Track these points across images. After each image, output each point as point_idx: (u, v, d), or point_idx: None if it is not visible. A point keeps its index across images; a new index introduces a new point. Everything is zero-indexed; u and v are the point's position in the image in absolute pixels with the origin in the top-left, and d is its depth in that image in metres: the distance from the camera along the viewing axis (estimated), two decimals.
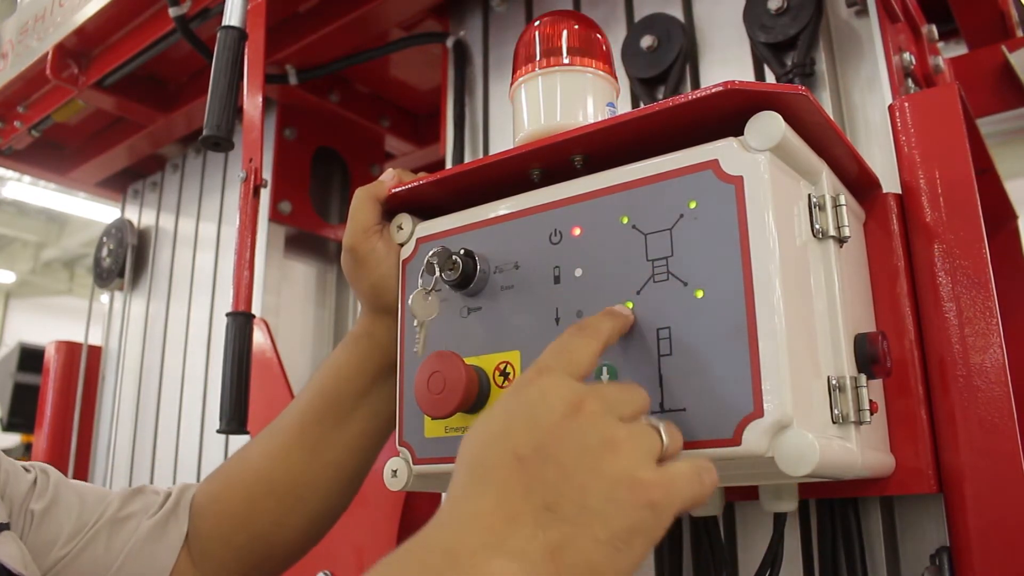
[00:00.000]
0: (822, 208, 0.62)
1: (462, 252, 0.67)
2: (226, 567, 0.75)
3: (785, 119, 0.57)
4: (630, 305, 0.60)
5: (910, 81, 0.97)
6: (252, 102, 1.13)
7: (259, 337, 1.29)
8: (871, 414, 0.59)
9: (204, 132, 1.03)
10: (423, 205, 0.76)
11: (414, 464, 0.69)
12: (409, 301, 0.67)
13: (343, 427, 0.77)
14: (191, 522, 0.75)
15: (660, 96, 1.02)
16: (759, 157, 0.56)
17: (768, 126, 0.57)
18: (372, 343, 0.78)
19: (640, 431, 0.49)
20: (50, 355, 1.91)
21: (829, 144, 0.64)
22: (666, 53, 1.01)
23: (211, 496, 0.77)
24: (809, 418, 0.55)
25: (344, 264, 0.77)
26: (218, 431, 0.99)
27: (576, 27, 0.74)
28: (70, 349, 1.90)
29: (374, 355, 0.77)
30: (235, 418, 0.99)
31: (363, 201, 0.76)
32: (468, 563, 0.43)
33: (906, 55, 0.96)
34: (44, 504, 0.69)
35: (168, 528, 0.73)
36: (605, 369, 0.60)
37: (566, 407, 0.48)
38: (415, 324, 0.67)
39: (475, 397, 0.64)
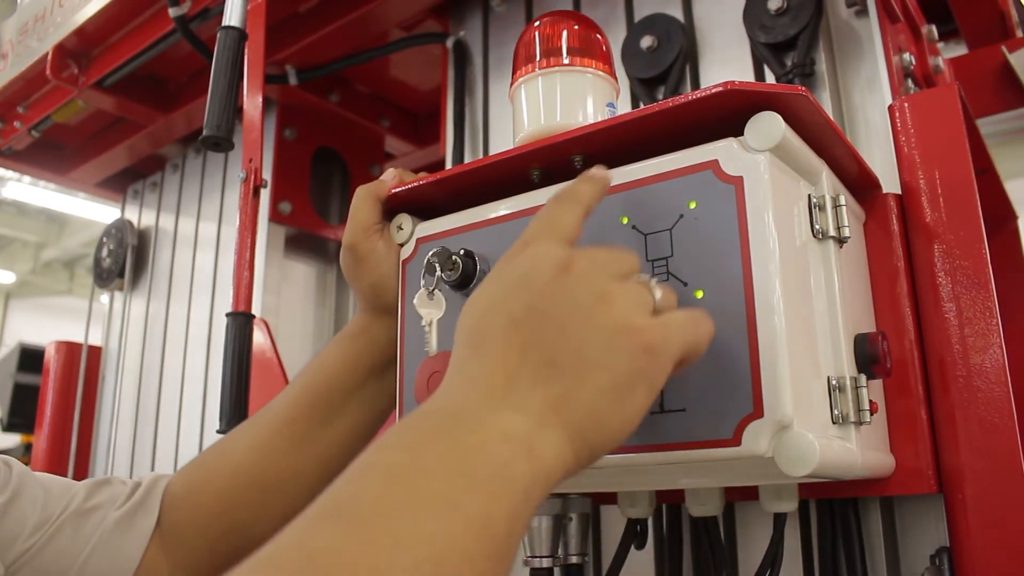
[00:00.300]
0: (822, 208, 0.62)
1: (462, 252, 0.67)
2: (200, 558, 0.74)
3: (785, 119, 0.57)
4: (607, 173, 0.59)
5: (910, 81, 0.97)
6: (252, 102, 1.13)
7: (259, 337, 1.29)
8: (871, 414, 0.59)
9: (204, 132, 1.03)
10: (423, 205, 0.76)
11: None
12: (415, 302, 0.67)
13: (331, 422, 0.76)
14: (166, 512, 0.74)
15: (660, 96, 1.02)
16: (759, 157, 0.56)
17: (768, 126, 0.57)
18: (369, 340, 0.78)
19: (631, 286, 0.50)
20: (50, 355, 1.91)
21: (829, 144, 0.64)
22: (666, 53, 1.01)
23: (189, 485, 0.76)
24: (809, 418, 0.55)
25: (344, 263, 0.77)
26: (218, 431, 0.99)
27: (576, 27, 0.74)
28: (70, 349, 1.90)
29: (369, 353, 0.77)
30: (235, 418, 0.99)
31: (364, 200, 0.76)
32: (473, 419, 0.43)
33: (906, 55, 0.96)
34: (6, 497, 0.68)
35: (136, 519, 0.72)
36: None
37: (556, 267, 0.48)
38: (423, 324, 0.66)
39: None
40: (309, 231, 1.62)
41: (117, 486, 0.74)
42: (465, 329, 0.50)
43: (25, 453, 3.84)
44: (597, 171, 0.58)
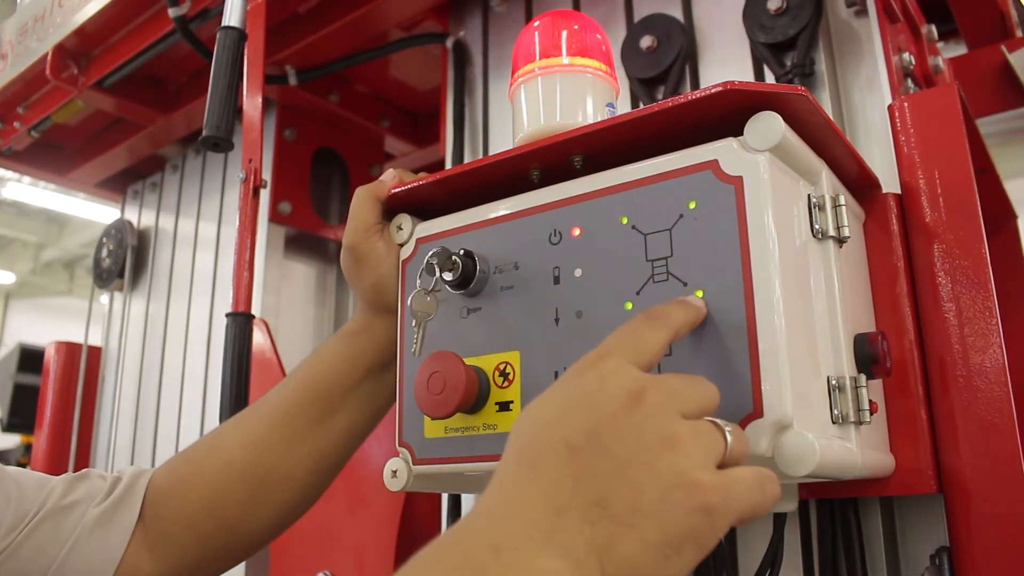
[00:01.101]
0: (822, 208, 0.62)
1: (462, 252, 0.67)
2: (187, 553, 0.73)
3: (785, 119, 0.57)
4: (629, 306, 0.60)
5: (910, 81, 0.97)
6: (252, 102, 1.13)
7: (259, 337, 1.29)
8: (871, 414, 0.59)
9: (204, 132, 1.03)
10: (423, 205, 0.76)
11: (414, 464, 0.69)
12: (410, 300, 0.67)
13: (328, 420, 0.76)
14: (149, 507, 0.73)
15: (660, 96, 1.02)
16: (759, 157, 0.56)
17: (768, 126, 0.57)
18: (369, 339, 0.77)
19: (703, 430, 0.46)
20: (50, 356, 1.91)
21: (829, 144, 0.64)
22: (666, 53, 1.01)
23: (177, 479, 0.75)
24: (809, 418, 0.55)
25: (344, 263, 0.77)
26: None
27: (576, 27, 0.74)
28: (70, 350, 1.90)
29: (369, 351, 0.77)
30: None
31: (363, 200, 0.76)
32: (512, 559, 0.41)
33: (906, 55, 0.96)
34: None
35: (117, 515, 0.71)
36: None
37: (626, 396, 0.45)
38: (412, 324, 0.67)
39: (475, 397, 0.64)
40: (309, 231, 1.62)
41: (95, 480, 0.73)
42: (519, 439, 0.47)
43: (25, 453, 3.84)
44: (694, 300, 0.55)
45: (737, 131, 0.58)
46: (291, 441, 0.75)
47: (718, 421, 0.48)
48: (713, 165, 0.58)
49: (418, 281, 0.68)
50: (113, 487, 0.73)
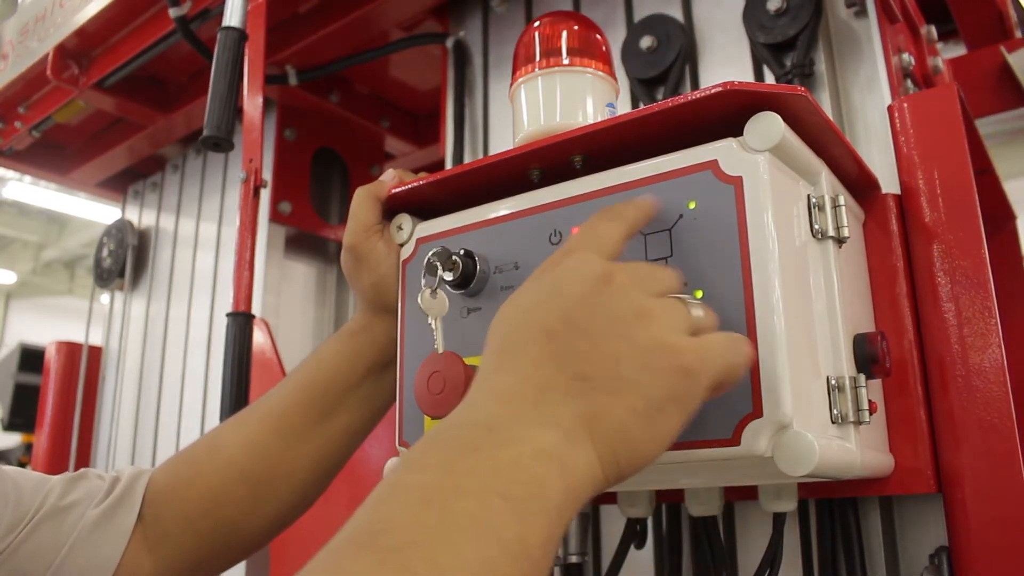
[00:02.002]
0: (821, 208, 0.62)
1: (462, 252, 0.67)
2: (187, 553, 0.73)
3: (784, 120, 0.57)
4: (653, 201, 0.59)
5: (909, 82, 0.98)
6: (252, 102, 1.13)
7: (259, 337, 1.29)
8: (870, 414, 0.59)
9: (204, 132, 1.03)
10: (423, 205, 0.76)
11: None
12: (419, 301, 0.67)
13: (328, 419, 0.76)
14: (149, 507, 0.73)
15: (660, 97, 1.02)
16: (758, 158, 0.57)
17: (767, 126, 0.57)
18: (370, 339, 0.78)
19: (671, 303, 0.49)
20: (50, 355, 1.91)
21: (828, 144, 0.64)
22: (666, 54, 1.01)
23: (176, 479, 0.75)
24: (808, 418, 0.55)
25: (344, 263, 0.77)
26: None
27: (576, 28, 0.74)
28: (70, 349, 1.90)
29: (370, 351, 0.77)
30: None
31: (363, 200, 0.76)
32: (504, 434, 0.42)
33: (905, 56, 0.96)
34: None
35: (116, 516, 0.71)
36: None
37: (595, 280, 0.47)
38: (430, 322, 0.66)
39: None
40: (309, 231, 1.62)
41: (94, 480, 0.73)
42: (496, 337, 0.49)
43: (25, 453, 3.84)
44: (645, 197, 0.58)
45: (737, 131, 0.58)
46: (291, 441, 0.75)
47: (684, 296, 0.51)
48: (713, 165, 0.58)
49: (422, 281, 0.68)
50: (112, 487, 0.73)
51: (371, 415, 0.79)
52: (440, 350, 0.65)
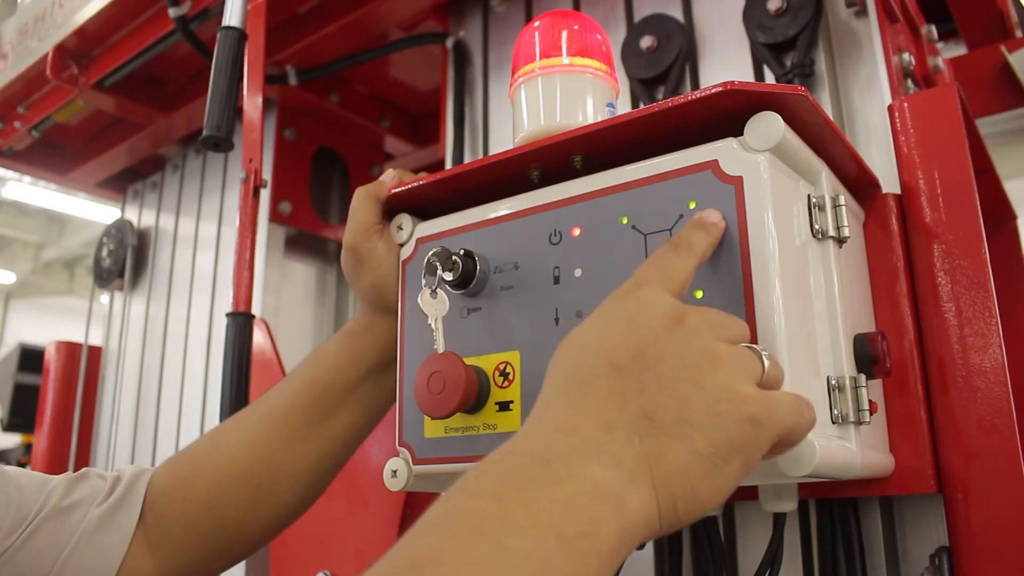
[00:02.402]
0: (821, 208, 0.62)
1: (462, 252, 0.67)
2: (188, 553, 0.73)
3: (784, 119, 0.57)
4: (721, 218, 0.59)
5: (909, 81, 0.97)
6: (252, 102, 1.13)
7: (259, 337, 1.29)
8: (870, 414, 0.59)
9: (204, 132, 1.03)
10: (423, 205, 0.76)
11: (414, 464, 0.69)
12: (419, 301, 0.67)
13: (329, 419, 0.76)
14: (150, 507, 0.72)
15: (660, 96, 1.02)
16: (759, 157, 0.57)
17: (768, 126, 0.57)
18: (371, 339, 0.78)
19: (743, 352, 0.48)
20: (50, 355, 1.91)
21: (828, 144, 0.64)
22: (666, 54, 1.01)
23: (177, 479, 0.74)
24: None
25: (344, 263, 0.77)
26: None
27: (576, 27, 0.74)
28: (70, 349, 1.90)
29: (370, 351, 0.77)
30: None
31: (363, 200, 0.76)
32: (562, 468, 0.41)
33: (905, 55, 0.96)
34: None
35: (118, 515, 0.71)
36: None
37: (666, 319, 0.47)
38: (430, 322, 0.66)
39: (475, 397, 0.64)
40: (309, 231, 1.62)
41: (95, 480, 0.73)
42: (561, 367, 0.47)
43: (25, 453, 3.84)
44: (712, 215, 0.55)
45: (737, 131, 0.58)
46: (292, 440, 0.75)
47: (754, 346, 0.50)
48: (713, 165, 0.58)
49: (422, 281, 0.68)
50: (113, 487, 0.73)
51: (372, 415, 0.79)
52: (440, 350, 0.65)
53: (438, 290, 0.67)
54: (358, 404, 0.78)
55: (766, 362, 0.49)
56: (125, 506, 0.71)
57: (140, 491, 0.73)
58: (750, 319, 0.54)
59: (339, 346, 0.78)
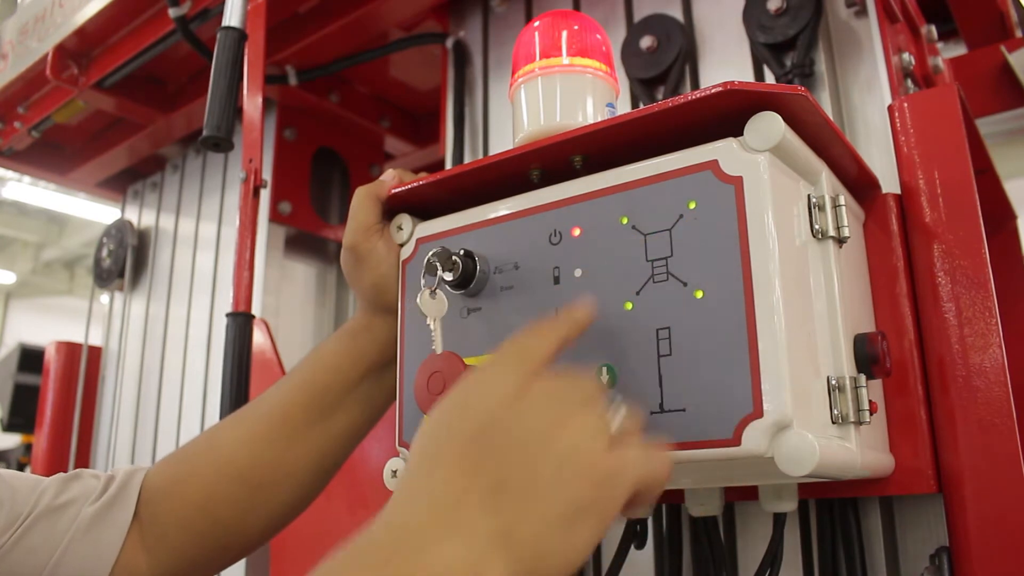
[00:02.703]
0: (821, 208, 0.62)
1: (462, 252, 0.67)
2: (183, 553, 0.72)
3: (784, 119, 0.57)
4: (629, 306, 0.60)
5: (909, 81, 0.97)
6: (252, 103, 1.13)
7: (259, 337, 1.29)
8: (871, 414, 0.59)
9: (204, 133, 1.03)
10: (423, 205, 0.76)
11: None
12: (418, 302, 0.67)
13: (328, 419, 0.76)
14: (145, 506, 0.72)
15: (660, 97, 1.02)
16: (758, 157, 0.57)
17: (767, 126, 0.57)
18: (370, 338, 0.77)
19: (588, 413, 0.49)
20: (50, 355, 1.91)
21: (828, 144, 0.64)
22: (666, 54, 1.01)
23: (173, 478, 0.74)
24: (809, 418, 0.55)
25: (344, 263, 0.77)
26: None
27: (576, 27, 0.74)
28: (70, 349, 1.90)
29: (370, 351, 0.77)
30: None
31: (363, 200, 0.76)
32: (416, 542, 0.42)
33: (905, 55, 0.96)
34: None
35: (112, 514, 0.70)
36: (605, 369, 0.60)
37: (514, 388, 0.48)
38: (428, 323, 0.66)
39: None
40: (309, 231, 1.62)
41: (88, 480, 0.73)
42: (421, 438, 0.49)
43: (25, 453, 3.84)
44: (580, 308, 0.57)
45: (737, 131, 0.58)
46: (291, 440, 0.75)
47: (604, 404, 0.50)
48: (713, 165, 0.58)
49: (422, 281, 0.68)
50: (107, 486, 0.72)
51: (371, 414, 0.79)
52: (438, 351, 0.65)
53: (437, 291, 0.67)
54: (357, 403, 0.77)
55: (616, 415, 0.49)
56: (119, 504, 0.71)
57: (134, 490, 0.73)
58: (750, 319, 0.54)
59: (338, 345, 0.78)
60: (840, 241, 0.63)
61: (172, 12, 1.29)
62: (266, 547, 1.24)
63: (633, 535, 0.78)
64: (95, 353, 1.90)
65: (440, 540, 0.42)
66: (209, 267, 1.67)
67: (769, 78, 0.95)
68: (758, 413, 0.53)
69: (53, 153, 1.94)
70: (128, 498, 0.72)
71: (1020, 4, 1.42)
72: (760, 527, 0.81)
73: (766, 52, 0.94)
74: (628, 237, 0.61)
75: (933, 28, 1.11)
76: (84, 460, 1.82)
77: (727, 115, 0.59)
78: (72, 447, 1.80)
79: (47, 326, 9.62)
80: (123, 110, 1.65)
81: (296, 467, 0.75)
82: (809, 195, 0.62)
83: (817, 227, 0.62)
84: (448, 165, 1.24)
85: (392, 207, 0.76)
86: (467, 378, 0.51)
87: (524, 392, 0.48)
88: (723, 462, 0.55)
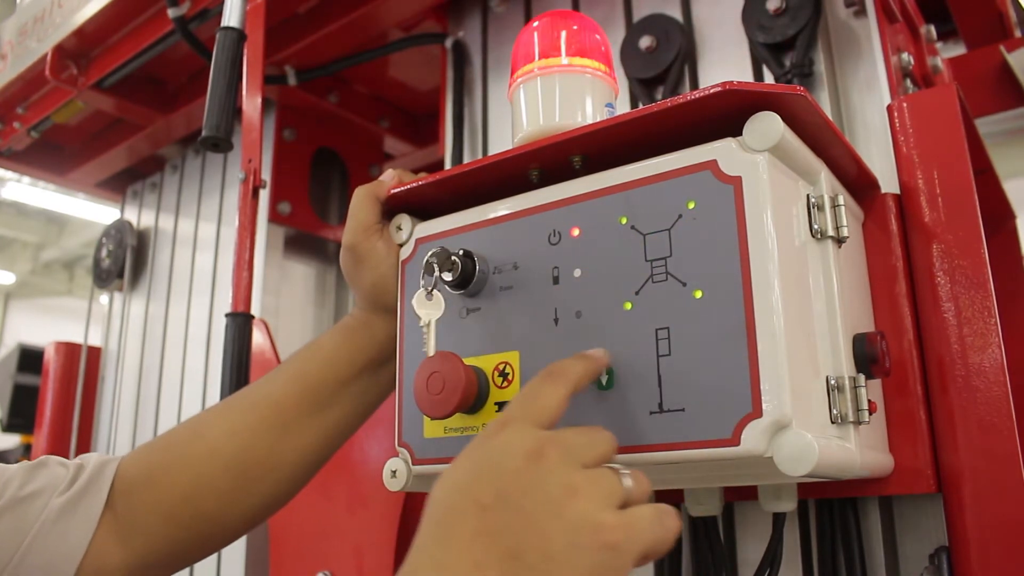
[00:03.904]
0: (821, 208, 0.62)
1: (461, 253, 0.67)
2: (161, 543, 0.71)
3: (783, 119, 0.57)
4: (628, 306, 0.60)
5: (909, 81, 0.97)
6: (251, 103, 1.13)
7: (259, 338, 1.29)
8: (870, 414, 0.59)
9: (203, 133, 1.03)
10: (422, 205, 0.76)
11: (413, 465, 0.69)
12: (413, 302, 0.67)
13: (319, 413, 0.76)
14: (120, 496, 0.71)
15: (659, 97, 1.02)
16: (758, 157, 0.57)
17: (766, 126, 0.57)
18: (368, 335, 0.77)
19: (599, 475, 0.49)
20: (50, 356, 1.91)
21: (827, 144, 0.64)
22: (665, 54, 1.01)
23: (154, 466, 0.73)
24: (808, 418, 0.55)
25: (343, 262, 0.77)
26: None
27: (575, 28, 0.74)
28: (70, 350, 1.90)
29: (367, 347, 0.77)
30: None
31: (363, 199, 0.75)
32: None
33: (904, 55, 0.96)
34: None
35: (82, 505, 0.69)
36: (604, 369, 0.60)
37: (527, 455, 0.49)
38: (421, 325, 0.67)
39: (474, 398, 0.64)
40: (308, 231, 1.62)
41: (56, 468, 0.71)
42: (435, 505, 0.49)
43: (25, 453, 3.84)
44: (595, 352, 0.59)
45: (736, 131, 0.58)
46: (281, 432, 0.74)
47: (615, 466, 0.52)
48: (712, 165, 0.58)
49: (421, 282, 0.68)
50: (76, 476, 0.71)
51: (363, 411, 0.79)
52: (430, 353, 0.65)
53: (434, 292, 0.67)
54: (351, 399, 0.77)
55: (626, 481, 0.50)
56: (89, 495, 0.70)
57: (106, 479, 0.71)
58: (749, 319, 0.54)
59: (336, 339, 0.78)
60: (839, 241, 0.63)
61: (171, 12, 1.29)
62: (266, 547, 1.24)
63: None
64: (94, 353, 1.90)
65: None
66: (208, 267, 1.67)
67: (768, 78, 0.95)
68: (757, 413, 0.53)
69: (52, 153, 1.93)
70: (99, 489, 0.70)
71: (1019, 4, 1.42)
72: (760, 527, 0.81)
73: (765, 52, 0.94)
74: (627, 237, 0.61)
75: (932, 28, 1.11)
76: None
77: (726, 115, 0.59)
78: (72, 447, 1.80)
79: (46, 326, 9.62)
80: (122, 110, 1.65)
81: (284, 459, 0.74)
82: (808, 195, 0.62)
83: (816, 227, 0.62)
84: (447, 165, 1.24)
85: (391, 207, 0.76)
86: (481, 438, 0.52)
87: (538, 456, 0.49)
88: (722, 462, 0.55)
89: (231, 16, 1.11)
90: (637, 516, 0.49)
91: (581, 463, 0.50)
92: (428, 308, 0.67)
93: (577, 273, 0.63)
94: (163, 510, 0.71)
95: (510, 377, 0.64)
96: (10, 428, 3.20)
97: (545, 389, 0.54)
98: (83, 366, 1.85)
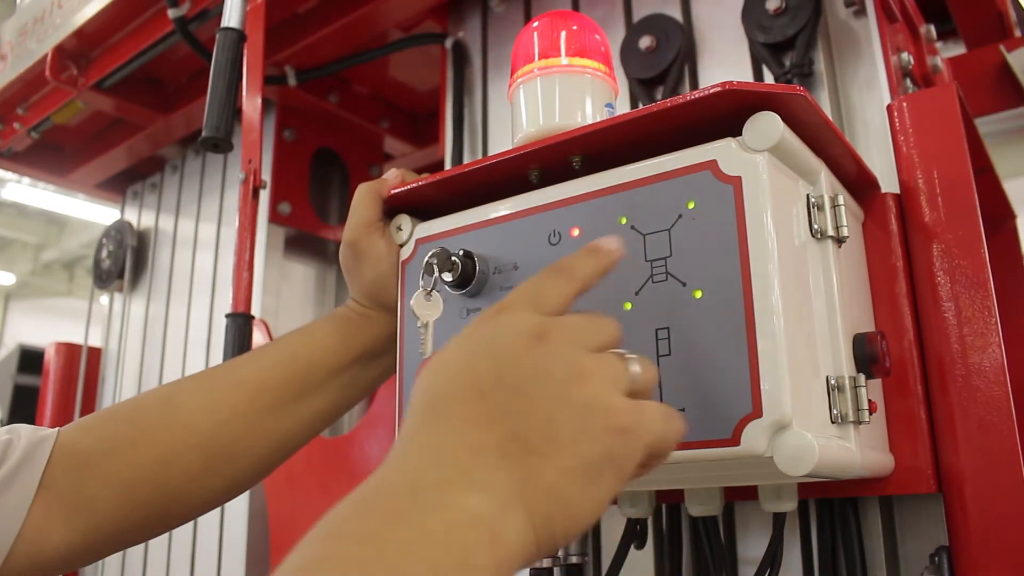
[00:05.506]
0: (820, 208, 0.62)
1: (461, 253, 0.67)
2: (111, 521, 0.67)
3: (783, 119, 0.57)
4: (628, 306, 0.60)
5: (908, 81, 0.97)
6: (251, 103, 1.13)
7: (259, 338, 1.29)
8: (870, 414, 0.59)
9: (203, 133, 1.03)
10: (422, 206, 0.76)
11: None
12: (411, 303, 0.67)
13: (303, 400, 0.74)
14: (68, 472, 0.66)
15: (659, 97, 1.02)
16: (757, 157, 0.57)
17: (766, 126, 0.57)
18: (365, 326, 0.77)
19: (609, 360, 0.46)
20: (50, 357, 1.91)
21: (827, 144, 0.64)
22: (665, 54, 1.01)
23: (115, 440, 0.68)
24: (808, 418, 0.55)
25: (343, 258, 0.77)
26: None
27: (575, 28, 0.74)
28: (70, 351, 1.90)
29: (363, 338, 0.76)
30: None
31: (365, 196, 0.75)
32: (434, 499, 0.39)
33: (904, 55, 0.96)
34: None
35: (11, 491, 0.63)
36: None
37: (529, 337, 0.45)
38: (419, 325, 0.66)
39: None
40: (308, 232, 1.62)
41: None
42: (425, 392, 0.46)
43: None
44: (607, 243, 0.53)
45: (736, 131, 0.58)
46: (262, 415, 0.72)
47: (623, 352, 0.48)
48: (712, 165, 0.58)
49: (420, 282, 0.68)
50: (3, 457, 0.65)
51: (346, 402, 0.77)
52: (427, 354, 0.65)
53: (433, 293, 0.67)
54: (336, 390, 0.76)
55: (634, 368, 0.48)
56: (20, 479, 0.64)
57: (40, 461, 0.66)
58: (749, 319, 0.54)
59: (328, 327, 0.76)
60: (839, 241, 0.63)
61: (171, 13, 1.29)
62: (266, 547, 1.24)
63: (633, 535, 0.78)
64: (95, 354, 1.90)
65: (456, 493, 0.40)
66: (209, 268, 1.67)
67: (768, 78, 0.95)
68: (757, 413, 0.53)
69: (52, 154, 1.93)
70: (33, 466, 0.65)
71: (1019, 4, 1.42)
72: (760, 527, 0.81)
73: (765, 52, 0.94)
74: (627, 237, 0.61)
75: (932, 28, 1.11)
76: None
77: (726, 115, 0.59)
78: None
79: (47, 327, 9.62)
80: (122, 111, 1.65)
81: (260, 443, 0.72)
82: (808, 195, 0.62)
83: (816, 227, 0.62)
84: (447, 165, 1.24)
85: (392, 207, 0.76)
86: (479, 320, 0.48)
87: (541, 338, 0.45)
88: (722, 462, 0.55)
89: (231, 17, 1.11)
90: (647, 406, 0.46)
91: (587, 347, 0.46)
92: (426, 309, 0.67)
93: None
94: (120, 486, 0.67)
95: None
96: None
97: (549, 281, 0.50)
98: (83, 367, 1.85)
